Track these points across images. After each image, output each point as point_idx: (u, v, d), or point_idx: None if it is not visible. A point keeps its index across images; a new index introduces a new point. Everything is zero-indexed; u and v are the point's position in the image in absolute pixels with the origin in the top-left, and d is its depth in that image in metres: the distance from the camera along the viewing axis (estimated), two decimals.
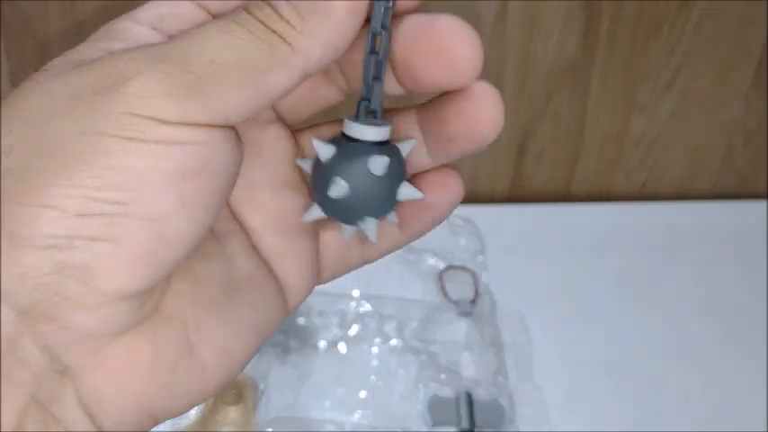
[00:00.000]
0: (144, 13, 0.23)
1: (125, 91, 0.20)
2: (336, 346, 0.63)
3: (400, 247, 0.28)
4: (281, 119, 0.26)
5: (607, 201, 0.82)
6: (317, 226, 0.27)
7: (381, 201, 0.24)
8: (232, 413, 0.55)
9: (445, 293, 0.66)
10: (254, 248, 0.26)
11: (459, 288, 0.67)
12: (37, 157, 0.20)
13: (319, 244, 0.27)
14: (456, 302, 0.65)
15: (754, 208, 0.79)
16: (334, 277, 0.28)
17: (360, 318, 0.64)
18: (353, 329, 0.64)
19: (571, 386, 0.62)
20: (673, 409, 0.61)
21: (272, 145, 0.26)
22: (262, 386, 0.58)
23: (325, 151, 0.24)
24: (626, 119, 0.78)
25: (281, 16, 0.21)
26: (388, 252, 0.28)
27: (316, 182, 0.25)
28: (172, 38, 0.22)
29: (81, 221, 0.20)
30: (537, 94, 0.76)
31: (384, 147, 0.24)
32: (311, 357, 0.62)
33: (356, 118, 0.24)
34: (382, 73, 0.24)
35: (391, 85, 0.25)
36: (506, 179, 0.81)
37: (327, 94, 0.26)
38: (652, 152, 0.81)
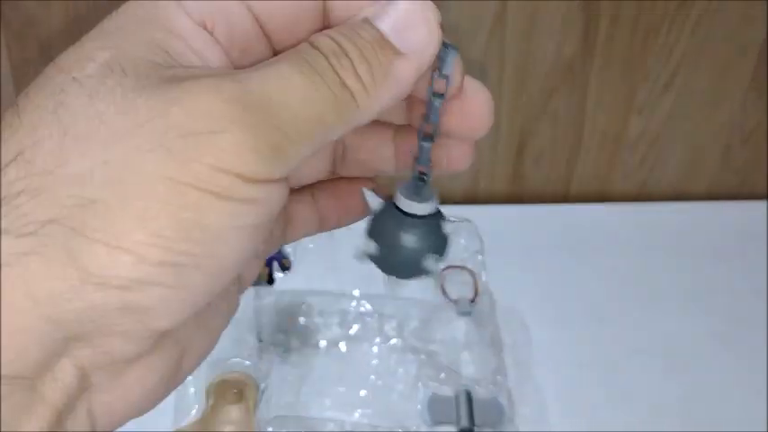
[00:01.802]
0: (193, 4, 0.22)
1: (216, 143, 0.20)
2: (337, 345, 0.63)
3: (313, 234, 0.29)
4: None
5: (606, 201, 0.82)
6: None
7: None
8: (233, 412, 0.55)
9: (445, 293, 0.66)
10: None
11: (459, 288, 0.67)
12: (117, 193, 0.20)
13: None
14: (456, 302, 0.65)
15: (752, 208, 0.80)
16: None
17: (360, 317, 0.64)
18: (354, 329, 0.64)
19: (570, 385, 0.62)
20: (672, 409, 0.61)
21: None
22: (263, 385, 0.58)
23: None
24: (625, 119, 0.79)
25: (356, 73, 0.22)
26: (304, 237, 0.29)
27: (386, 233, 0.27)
28: (246, 69, 0.22)
29: (154, 269, 0.20)
30: (536, 95, 0.76)
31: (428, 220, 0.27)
32: (312, 357, 0.62)
33: (410, 183, 0.27)
34: (435, 136, 0.25)
35: (402, 117, 0.26)
36: (506, 179, 0.82)
37: (387, 155, 0.28)
38: (651, 152, 0.81)
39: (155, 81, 0.21)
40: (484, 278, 0.68)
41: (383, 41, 0.22)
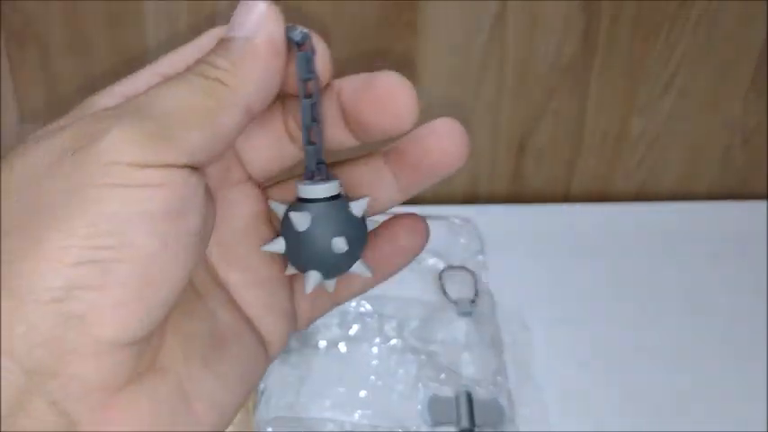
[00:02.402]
0: (110, 90, 0.25)
1: (100, 145, 0.21)
2: (336, 345, 0.63)
3: (372, 288, 0.30)
4: (251, 178, 0.28)
5: (606, 201, 0.82)
6: (291, 278, 0.29)
7: (364, 241, 0.27)
8: None
9: (445, 293, 0.66)
10: (235, 303, 0.27)
11: (459, 288, 0.67)
12: (32, 215, 0.21)
13: (294, 294, 0.29)
14: (456, 302, 0.65)
15: (753, 208, 0.80)
16: (309, 323, 0.30)
17: (360, 317, 0.64)
18: (353, 329, 0.64)
19: (570, 386, 0.62)
20: (673, 409, 0.61)
21: (244, 202, 0.28)
22: (262, 386, 0.58)
23: (303, 222, 0.26)
24: (625, 119, 0.79)
25: (216, 67, 0.24)
26: (361, 293, 0.30)
27: (305, 247, 0.27)
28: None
29: (77, 270, 0.20)
30: (536, 95, 0.76)
31: (332, 201, 0.27)
32: (311, 357, 0.62)
33: (306, 174, 0.27)
34: (319, 114, 0.26)
35: (347, 139, 0.27)
36: (506, 179, 0.82)
37: (292, 152, 0.28)
38: (651, 152, 0.81)
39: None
40: (484, 278, 0.68)
41: (229, 39, 0.25)
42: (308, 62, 0.26)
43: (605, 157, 0.81)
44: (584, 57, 0.74)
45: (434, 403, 0.58)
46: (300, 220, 0.26)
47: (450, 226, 0.70)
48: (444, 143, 0.27)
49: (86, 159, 0.21)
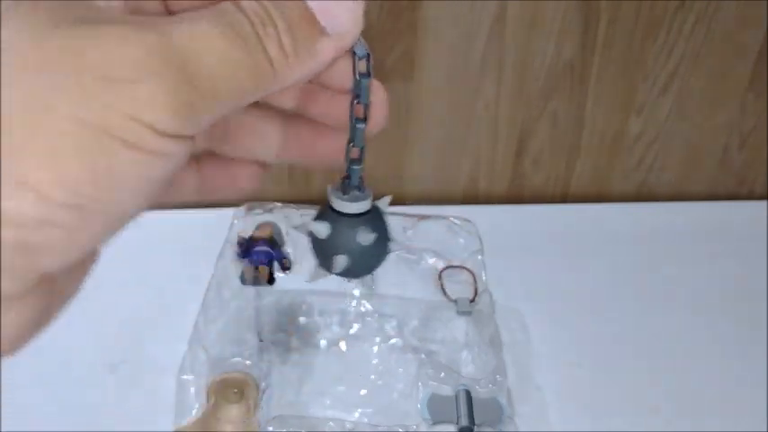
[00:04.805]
0: None
1: (133, 92, 0.20)
2: (337, 344, 0.63)
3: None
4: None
5: (605, 201, 0.83)
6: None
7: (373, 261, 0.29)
8: (234, 411, 0.55)
9: (445, 293, 0.66)
10: None
11: (459, 287, 0.67)
12: (26, 129, 0.19)
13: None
14: (455, 302, 0.65)
15: (750, 208, 0.80)
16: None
17: (360, 317, 0.64)
18: (354, 328, 0.64)
19: (570, 385, 0.63)
20: (672, 408, 0.61)
21: None
22: (263, 384, 0.58)
23: (323, 230, 0.29)
24: (624, 120, 0.79)
25: (281, 44, 0.22)
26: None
27: (319, 253, 0.29)
28: (167, 19, 0.21)
29: (57, 210, 0.19)
30: (535, 96, 0.76)
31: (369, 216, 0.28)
32: (312, 356, 0.62)
33: (341, 187, 0.28)
34: (367, 116, 0.26)
35: (293, 103, 0.26)
36: (505, 180, 0.82)
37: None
38: (649, 153, 0.81)
39: (69, 18, 0.20)
40: (484, 278, 0.68)
41: (311, 18, 0.23)
42: (366, 88, 0.25)
43: (604, 158, 0.81)
44: (583, 57, 0.74)
45: (434, 402, 0.59)
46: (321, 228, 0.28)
47: (449, 226, 0.70)
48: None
49: (110, 98, 0.19)
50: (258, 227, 0.65)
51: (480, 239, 0.69)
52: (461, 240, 0.70)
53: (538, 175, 0.82)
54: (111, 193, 0.20)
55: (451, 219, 0.70)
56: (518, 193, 0.82)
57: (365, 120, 0.26)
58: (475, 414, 0.57)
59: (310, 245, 0.29)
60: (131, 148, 0.20)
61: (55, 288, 0.22)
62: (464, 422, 0.56)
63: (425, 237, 0.69)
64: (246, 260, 0.63)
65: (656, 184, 0.83)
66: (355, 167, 0.27)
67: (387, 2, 0.69)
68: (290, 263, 0.65)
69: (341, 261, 0.28)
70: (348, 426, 0.57)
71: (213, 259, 0.64)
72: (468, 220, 0.71)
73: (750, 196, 0.84)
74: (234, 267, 0.63)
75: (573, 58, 0.74)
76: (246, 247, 0.63)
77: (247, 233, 0.65)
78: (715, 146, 0.81)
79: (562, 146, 0.80)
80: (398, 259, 0.67)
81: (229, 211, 0.68)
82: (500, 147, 0.79)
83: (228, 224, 0.67)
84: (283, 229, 0.66)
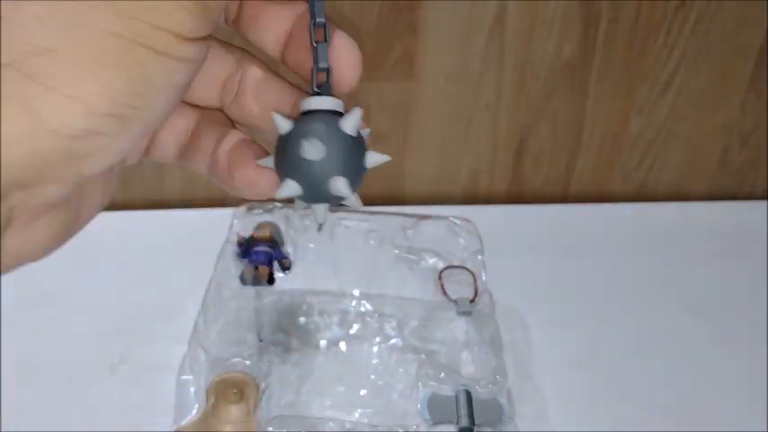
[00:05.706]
0: None
1: (155, 3, 0.21)
2: (337, 345, 0.63)
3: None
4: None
5: (605, 201, 0.83)
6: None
7: (354, 163, 0.25)
8: (233, 412, 0.55)
9: (445, 293, 0.66)
10: None
11: (459, 287, 0.67)
12: (70, 44, 0.20)
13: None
14: (455, 302, 0.65)
15: (751, 208, 0.80)
16: None
17: (360, 317, 0.64)
18: (354, 329, 0.64)
19: (570, 385, 0.63)
20: (672, 409, 0.61)
21: None
22: (263, 385, 0.58)
23: (286, 125, 0.25)
24: (624, 120, 0.79)
25: None
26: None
27: (286, 153, 0.25)
28: None
29: (102, 119, 0.21)
30: (536, 95, 0.76)
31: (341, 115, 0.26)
32: (312, 356, 0.62)
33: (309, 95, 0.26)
34: (327, 35, 0.26)
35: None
36: (505, 180, 0.82)
37: (225, 66, 0.28)
38: (650, 153, 0.81)
39: None
40: (484, 278, 0.68)
41: None
42: (320, 7, 0.25)
43: (604, 158, 0.81)
44: (584, 57, 0.74)
45: (434, 402, 0.58)
46: (283, 123, 0.25)
47: (449, 226, 0.70)
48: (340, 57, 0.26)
49: (138, 12, 0.21)
50: (258, 227, 0.65)
51: (480, 239, 0.69)
52: (461, 240, 0.70)
53: (538, 174, 0.82)
54: (146, 100, 0.22)
55: (451, 219, 0.70)
56: (518, 193, 0.82)
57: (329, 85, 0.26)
58: (475, 414, 0.57)
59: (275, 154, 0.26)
60: (161, 56, 0.21)
61: (84, 200, 0.24)
62: (464, 422, 0.56)
63: (425, 237, 0.69)
64: (246, 260, 0.63)
65: (657, 184, 0.83)
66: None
67: (387, 2, 0.69)
68: (290, 263, 0.65)
69: (316, 147, 0.25)
70: (348, 426, 0.57)
71: (213, 259, 0.64)
72: (469, 220, 0.71)
73: (750, 196, 0.84)
74: (234, 267, 0.63)
75: (573, 58, 0.74)
76: (246, 247, 0.63)
77: (247, 233, 0.65)
78: (715, 146, 0.81)
79: (562, 146, 0.80)
80: (398, 259, 0.67)
81: (229, 211, 0.68)
82: (500, 147, 0.79)
83: (228, 224, 0.67)
84: (283, 229, 0.66)
